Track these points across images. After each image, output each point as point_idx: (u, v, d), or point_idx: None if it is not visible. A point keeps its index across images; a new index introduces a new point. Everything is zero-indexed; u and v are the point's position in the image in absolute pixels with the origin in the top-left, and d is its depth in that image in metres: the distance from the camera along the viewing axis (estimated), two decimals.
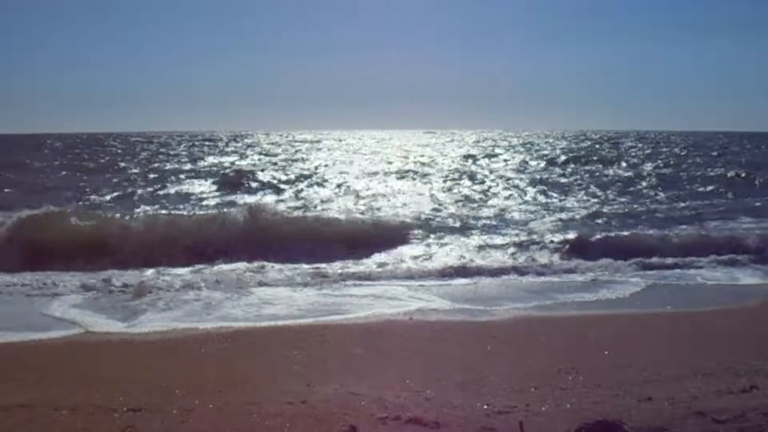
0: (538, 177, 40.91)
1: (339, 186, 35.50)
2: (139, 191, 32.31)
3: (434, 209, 26.65)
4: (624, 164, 51.56)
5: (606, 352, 9.39)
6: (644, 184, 37.37)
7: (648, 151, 71.89)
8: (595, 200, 30.65)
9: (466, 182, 37.65)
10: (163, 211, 22.73)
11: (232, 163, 50.74)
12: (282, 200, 29.76)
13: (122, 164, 50.19)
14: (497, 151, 70.95)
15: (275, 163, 49.98)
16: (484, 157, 59.79)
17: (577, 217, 25.28)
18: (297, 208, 25.96)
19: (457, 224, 23.15)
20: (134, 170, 44.16)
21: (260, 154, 56.80)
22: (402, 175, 41.65)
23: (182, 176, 40.05)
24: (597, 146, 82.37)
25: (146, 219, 19.61)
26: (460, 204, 28.89)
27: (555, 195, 32.58)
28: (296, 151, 69.56)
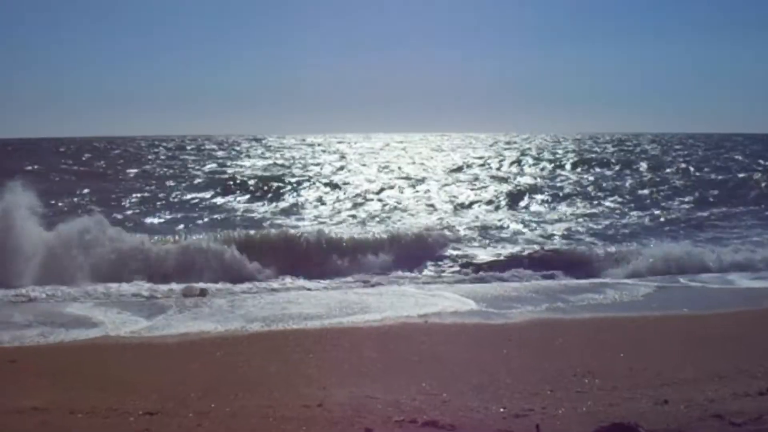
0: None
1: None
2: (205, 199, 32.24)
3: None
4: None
5: (621, 355, 9.35)
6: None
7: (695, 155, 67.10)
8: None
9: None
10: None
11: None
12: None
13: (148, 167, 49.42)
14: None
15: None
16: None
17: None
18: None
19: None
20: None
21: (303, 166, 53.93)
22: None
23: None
24: (628, 148, 79.86)
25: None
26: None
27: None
28: (340, 156, 67.38)
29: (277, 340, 10.61)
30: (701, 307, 13.06)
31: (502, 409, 7.04)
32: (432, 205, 30.63)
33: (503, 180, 40.80)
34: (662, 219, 26.35)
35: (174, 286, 14.60)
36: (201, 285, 14.65)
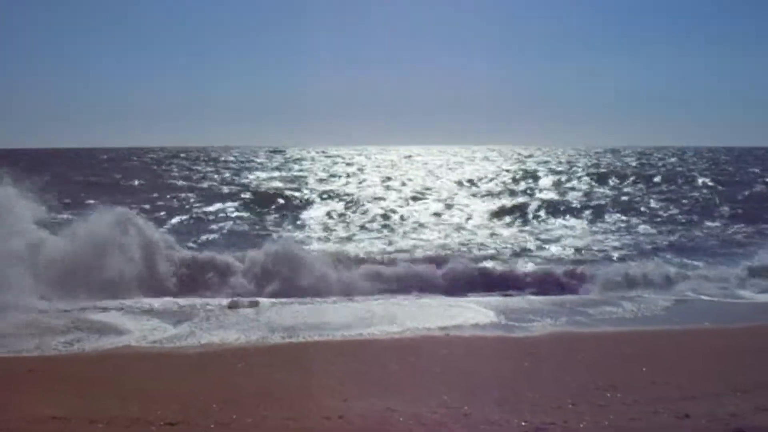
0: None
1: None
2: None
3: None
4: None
5: (643, 369, 9.31)
6: None
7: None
8: None
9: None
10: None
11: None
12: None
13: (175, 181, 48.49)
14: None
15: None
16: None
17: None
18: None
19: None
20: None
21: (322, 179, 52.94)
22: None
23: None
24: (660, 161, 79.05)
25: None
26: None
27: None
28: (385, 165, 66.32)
29: (298, 351, 10.63)
30: (721, 320, 13.00)
31: (523, 423, 7.05)
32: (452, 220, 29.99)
33: (528, 193, 40.59)
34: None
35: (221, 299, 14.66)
36: (251, 299, 14.64)
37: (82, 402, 7.80)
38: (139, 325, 12.25)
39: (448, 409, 7.51)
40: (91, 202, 27.36)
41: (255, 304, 14.14)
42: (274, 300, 14.85)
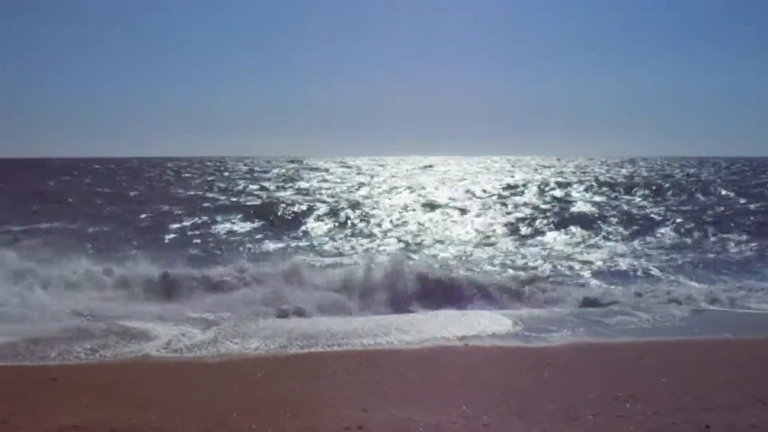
0: None
1: None
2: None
3: None
4: None
5: (663, 379, 9.27)
6: None
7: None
8: None
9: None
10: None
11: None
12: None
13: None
14: None
15: None
16: None
17: None
18: None
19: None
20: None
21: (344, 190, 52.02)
22: None
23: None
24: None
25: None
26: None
27: None
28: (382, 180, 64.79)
29: (317, 361, 10.63)
30: (740, 331, 12.93)
31: None
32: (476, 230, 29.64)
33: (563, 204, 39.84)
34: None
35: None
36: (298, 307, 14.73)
37: (103, 411, 7.83)
38: (168, 331, 12.44)
39: (467, 419, 7.52)
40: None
41: (301, 313, 14.36)
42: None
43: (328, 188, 51.91)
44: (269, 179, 63.46)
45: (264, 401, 8.32)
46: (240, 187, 52.25)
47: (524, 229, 29.70)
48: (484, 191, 48.78)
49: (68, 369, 10.21)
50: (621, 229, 29.51)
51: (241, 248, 24.66)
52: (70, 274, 17.19)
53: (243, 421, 7.49)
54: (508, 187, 52.14)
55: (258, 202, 39.46)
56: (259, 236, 27.84)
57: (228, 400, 8.37)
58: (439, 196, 44.35)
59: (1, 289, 15.21)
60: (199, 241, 26.41)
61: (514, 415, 7.72)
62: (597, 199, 43.50)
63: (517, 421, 7.48)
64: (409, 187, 51.28)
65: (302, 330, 12.65)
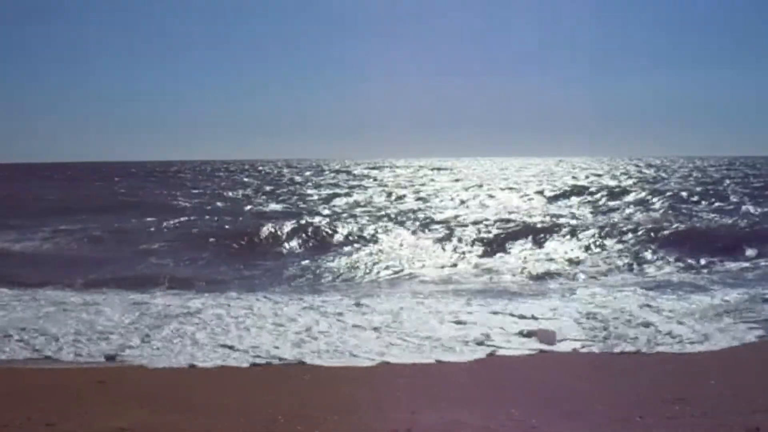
0: None
1: None
2: None
3: None
4: None
5: (712, 381, 9.20)
6: None
7: None
8: None
9: None
10: None
11: None
12: None
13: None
14: None
15: None
16: None
17: None
18: None
19: None
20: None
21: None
22: None
23: None
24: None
25: None
26: None
27: None
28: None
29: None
30: None
31: None
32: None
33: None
34: None
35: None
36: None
37: (150, 414, 7.88)
38: None
39: (516, 422, 7.49)
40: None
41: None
42: None
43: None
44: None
45: (311, 404, 8.33)
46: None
47: None
48: None
49: (115, 372, 10.30)
50: None
51: None
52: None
53: (289, 423, 7.50)
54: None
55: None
56: None
57: (275, 402, 8.40)
58: None
59: None
60: None
61: (563, 417, 7.69)
62: None
63: (566, 423, 7.45)
64: None
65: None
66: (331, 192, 52.55)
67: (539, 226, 28.47)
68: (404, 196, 47.82)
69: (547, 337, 11.79)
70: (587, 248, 24.41)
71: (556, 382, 9.53)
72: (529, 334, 12.02)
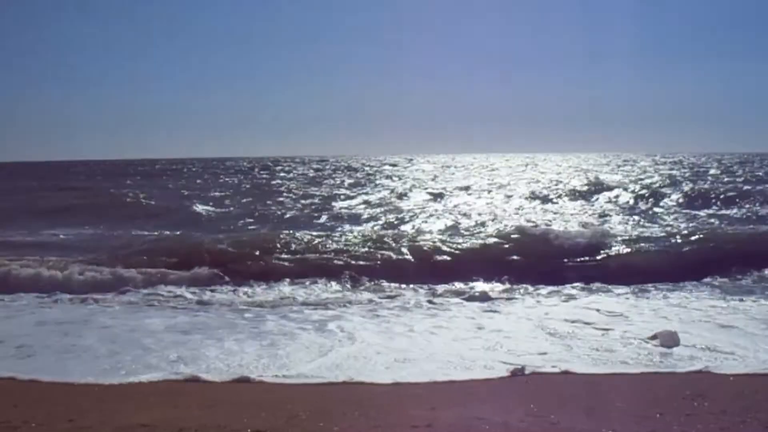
0: None
1: None
2: None
3: None
4: None
5: (731, 378, 9.21)
6: None
7: None
8: None
9: None
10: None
11: None
12: None
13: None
14: None
15: None
16: None
17: None
18: None
19: None
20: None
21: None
22: None
23: None
24: None
25: None
26: None
27: None
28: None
29: None
30: None
31: None
32: None
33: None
34: None
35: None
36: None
37: (170, 410, 7.90)
38: None
39: (535, 417, 7.51)
40: None
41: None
42: None
43: None
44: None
45: (332, 400, 8.38)
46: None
47: None
48: None
49: None
50: None
51: None
52: None
53: (310, 419, 7.50)
54: None
55: None
56: None
57: (296, 397, 8.44)
58: None
59: None
60: None
61: (582, 413, 7.70)
62: None
63: (586, 419, 7.45)
64: None
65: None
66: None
67: None
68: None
69: (670, 338, 11.54)
70: None
71: (574, 375, 9.58)
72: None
